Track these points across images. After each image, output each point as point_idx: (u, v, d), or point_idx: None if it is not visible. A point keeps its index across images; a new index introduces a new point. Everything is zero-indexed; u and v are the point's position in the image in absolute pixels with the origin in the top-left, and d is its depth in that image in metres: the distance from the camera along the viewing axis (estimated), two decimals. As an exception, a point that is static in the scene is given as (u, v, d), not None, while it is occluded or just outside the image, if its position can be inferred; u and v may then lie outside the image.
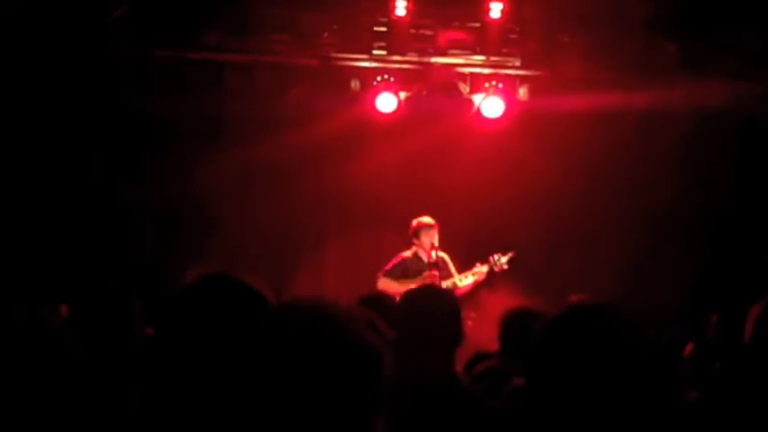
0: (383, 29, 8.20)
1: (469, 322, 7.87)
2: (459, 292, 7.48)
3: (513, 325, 4.11)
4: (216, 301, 1.99)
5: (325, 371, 1.49)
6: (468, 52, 8.38)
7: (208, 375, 1.87)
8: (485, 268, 7.46)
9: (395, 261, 7.57)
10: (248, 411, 1.49)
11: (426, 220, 7.51)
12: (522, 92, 8.51)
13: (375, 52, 8.32)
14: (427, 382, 2.91)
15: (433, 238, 7.38)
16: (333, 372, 1.49)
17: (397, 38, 8.18)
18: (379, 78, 8.32)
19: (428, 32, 8.32)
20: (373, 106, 8.35)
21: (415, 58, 8.37)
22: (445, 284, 7.26)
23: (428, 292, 3.75)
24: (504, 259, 7.51)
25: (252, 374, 1.51)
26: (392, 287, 7.31)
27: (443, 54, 8.39)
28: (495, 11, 7.94)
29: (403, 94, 8.42)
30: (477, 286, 7.54)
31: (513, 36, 8.30)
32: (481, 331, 6.43)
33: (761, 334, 2.52)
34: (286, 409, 1.47)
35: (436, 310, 3.32)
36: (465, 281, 7.46)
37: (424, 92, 8.49)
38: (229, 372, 1.56)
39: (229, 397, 1.54)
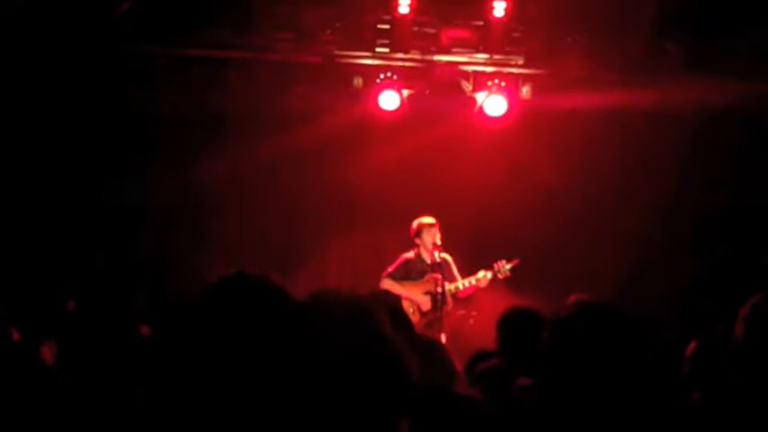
0: (386, 26, 8.17)
1: (471, 321, 7.87)
2: (460, 295, 7.47)
3: (513, 324, 4.10)
4: (242, 302, 1.96)
5: (357, 371, 1.46)
6: (471, 50, 8.36)
7: (234, 375, 1.83)
8: (489, 275, 7.41)
9: (398, 263, 7.54)
10: (279, 409, 1.46)
11: (427, 219, 7.48)
12: (525, 90, 8.48)
13: (378, 50, 8.29)
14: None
15: (434, 237, 7.35)
16: (365, 372, 1.46)
17: (400, 36, 8.16)
18: (381, 76, 8.30)
19: (431, 30, 8.30)
20: (376, 104, 8.33)
21: (418, 56, 8.35)
22: (448, 288, 7.23)
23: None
24: (508, 266, 7.46)
25: (285, 372, 1.48)
26: (396, 289, 7.30)
27: (446, 52, 8.36)
28: (499, 9, 7.91)
29: (406, 92, 8.40)
30: (478, 289, 7.51)
31: (517, 34, 8.27)
32: (481, 330, 6.43)
33: (751, 332, 2.52)
34: (317, 408, 1.45)
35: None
36: (468, 286, 7.42)
37: (427, 90, 8.47)
38: (258, 370, 1.52)
39: (256, 394, 1.51)
